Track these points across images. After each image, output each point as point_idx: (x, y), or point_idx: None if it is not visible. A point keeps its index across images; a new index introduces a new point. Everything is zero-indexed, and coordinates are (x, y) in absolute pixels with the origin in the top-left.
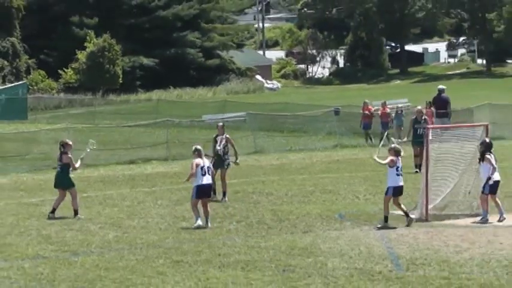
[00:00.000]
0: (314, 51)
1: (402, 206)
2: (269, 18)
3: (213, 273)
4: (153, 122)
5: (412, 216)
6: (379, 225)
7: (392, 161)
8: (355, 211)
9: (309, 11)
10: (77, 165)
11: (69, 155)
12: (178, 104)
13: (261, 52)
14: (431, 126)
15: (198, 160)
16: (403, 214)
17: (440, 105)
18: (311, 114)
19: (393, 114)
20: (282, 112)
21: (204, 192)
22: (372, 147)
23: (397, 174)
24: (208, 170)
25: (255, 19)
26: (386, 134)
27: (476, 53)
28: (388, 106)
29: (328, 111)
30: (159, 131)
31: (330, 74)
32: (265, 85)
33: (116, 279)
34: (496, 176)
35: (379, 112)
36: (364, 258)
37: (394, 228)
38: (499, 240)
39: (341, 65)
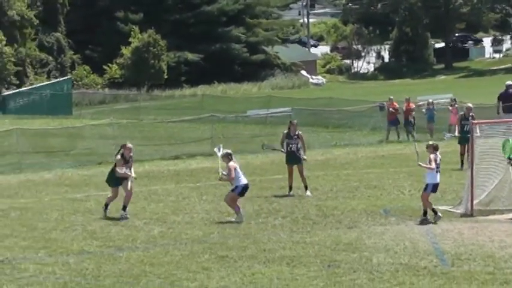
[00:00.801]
0: (359, 46)
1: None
2: (314, 14)
3: (258, 269)
4: (198, 117)
5: (440, 214)
6: (419, 220)
7: (434, 160)
8: (400, 206)
9: (353, 6)
10: (121, 171)
11: (118, 157)
12: (223, 99)
13: (306, 47)
14: (477, 121)
15: (232, 163)
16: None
17: (508, 100)
18: (356, 110)
19: (424, 110)
20: (327, 107)
21: (246, 190)
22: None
23: (437, 171)
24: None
25: (299, 14)
26: (411, 132)
27: None
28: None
29: (373, 107)
30: (204, 126)
31: (374, 69)
32: (310, 80)
33: (160, 274)
34: None
35: (404, 108)
36: (409, 253)
37: (434, 223)
38: None
39: (386, 60)
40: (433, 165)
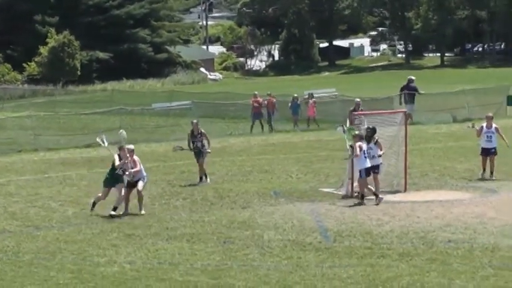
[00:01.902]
0: (252, 46)
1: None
2: (212, 17)
3: (161, 245)
4: (108, 110)
5: (381, 196)
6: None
7: (360, 147)
8: (288, 189)
9: (247, 10)
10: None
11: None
12: (131, 93)
13: (204, 47)
14: (357, 113)
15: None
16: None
17: (409, 92)
18: (249, 103)
19: (289, 104)
20: (224, 101)
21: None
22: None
23: (365, 157)
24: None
25: (199, 17)
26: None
27: (396, 47)
28: (316, 95)
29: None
30: (114, 118)
31: (266, 67)
32: (209, 76)
33: (74, 251)
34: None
35: (266, 102)
36: (297, 230)
37: (376, 204)
38: (416, 214)
39: (276, 58)
40: (358, 152)
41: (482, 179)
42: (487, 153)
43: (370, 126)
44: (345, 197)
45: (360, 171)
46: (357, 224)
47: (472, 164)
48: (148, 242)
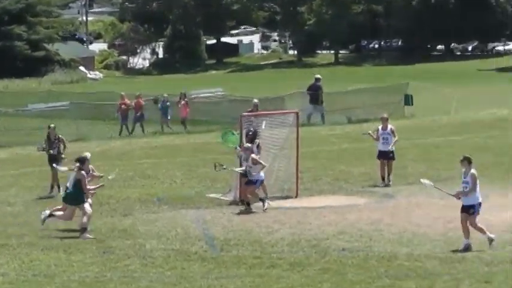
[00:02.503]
0: (135, 43)
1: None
2: (92, 12)
3: (36, 256)
4: None
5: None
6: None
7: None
8: (172, 195)
9: (130, 5)
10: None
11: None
12: (5, 94)
13: (84, 44)
14: (246, 114)
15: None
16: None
17: (314, 91)
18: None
19: (159, 104)
20: (105, 101)
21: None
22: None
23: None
24: None
25: (79, 13)
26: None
27: (288, 44)
28: (202, 95)
29: (148, 100)
30: None
31: (149, 65)
32: (88, 75)
33: None
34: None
35: (133, 103)
36: (181, 239)
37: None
38: (308, 221)
39: (160, 56)
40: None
41: (382, 186)
42: (385, 156)
43: (252, 129)
44: (232, 203)
45: (256, 181)
46: (245, 231)
47: (368, 167)
48: (22, 252)
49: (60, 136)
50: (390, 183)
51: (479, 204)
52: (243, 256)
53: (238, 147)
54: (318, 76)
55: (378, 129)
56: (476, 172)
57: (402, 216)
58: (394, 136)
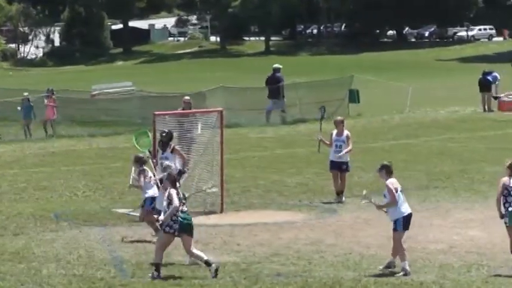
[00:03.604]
0: (26, 28)
1: None
2: None
3: None
4: None
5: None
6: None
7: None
8: (73, 210)
9: None
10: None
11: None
12: None
13: None
14: (158, 112)
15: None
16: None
17: (273, 83)
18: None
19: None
20: None
21: None
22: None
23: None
24: None
25: None
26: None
27: (209, 29)
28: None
29: (42, 97)
30: None
31: (43, 54)
32: None
33: None
34: None
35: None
36: (84, 263)
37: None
38: (236, 241)
39: (56, 43)
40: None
41: (336, 202)
42: (338, 167)
43: (166, 130)
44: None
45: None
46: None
47: (306, 176)
48: None
49: None
50: (343, 200)
51: (404, 218)
52: (158, 283)
53: (148, 152)
54: (277, 66)
55: (331, 134)
56: (393, 182)
57: (348, 236)
58: (348, 144)
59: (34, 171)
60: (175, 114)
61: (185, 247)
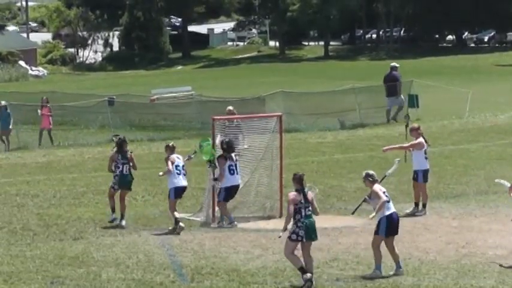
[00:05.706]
0: (85, 33)
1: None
2: None
3: None
4: None
5: (182, 224)
6: (169, 228)
7: (172, 161)
8: (132, 214)
9: None
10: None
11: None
12: None
13: (24, 34)
14: (217, 117)
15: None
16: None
17: (390, 81)
18: (81, 105)
19: None
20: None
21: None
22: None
23: (178, 173)
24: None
25: None
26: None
27: (268, 34)
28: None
29: (101, 101)
30: None
31: (102, 59)
32: (30, 72)
33: None
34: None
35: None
36: (143, 267)
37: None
38: None
39: (115, 48)
40: (171, 167)
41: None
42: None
43: (226, 139)
44: (204, 224)
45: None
46: (220, 258)
47: None
48: None
49: None
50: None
51: (388, 221)
52: (217, 287)
53: (210, 163)
54: (395, 64)
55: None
56: (380, 187)
57: (407, 241)
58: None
59: (93, 176)
60: (232, 119)
61: (303, 251)
